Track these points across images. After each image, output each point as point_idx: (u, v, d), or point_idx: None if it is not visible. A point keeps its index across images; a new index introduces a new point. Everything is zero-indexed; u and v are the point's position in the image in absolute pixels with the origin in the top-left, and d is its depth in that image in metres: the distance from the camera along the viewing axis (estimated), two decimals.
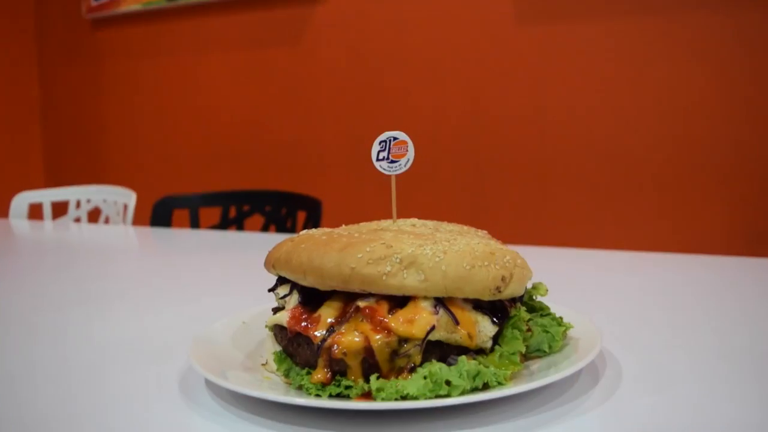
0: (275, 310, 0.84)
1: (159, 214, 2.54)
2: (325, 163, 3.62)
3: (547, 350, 0.80)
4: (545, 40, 3.06)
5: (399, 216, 0.90)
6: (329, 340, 0.71)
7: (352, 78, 3.54)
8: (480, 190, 3.25)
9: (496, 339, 0.76)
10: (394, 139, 0.86)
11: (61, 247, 2.14)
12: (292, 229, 2.54)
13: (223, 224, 2.55)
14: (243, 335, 0.91)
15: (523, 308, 0.80)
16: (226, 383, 0.72)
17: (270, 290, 0.85)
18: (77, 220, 2.87)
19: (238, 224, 2.58)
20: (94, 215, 2.93)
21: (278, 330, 0.79)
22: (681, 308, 1.12)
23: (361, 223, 0.90)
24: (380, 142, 0.87)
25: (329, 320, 0.73)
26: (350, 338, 0.70)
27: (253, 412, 0.72)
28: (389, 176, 0.88)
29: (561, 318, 0.84)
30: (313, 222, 2.47)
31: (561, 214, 3.09)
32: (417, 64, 3.36)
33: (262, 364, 0.83)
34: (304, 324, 0.74)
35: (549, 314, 0.85)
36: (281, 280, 0.83)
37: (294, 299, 0.78)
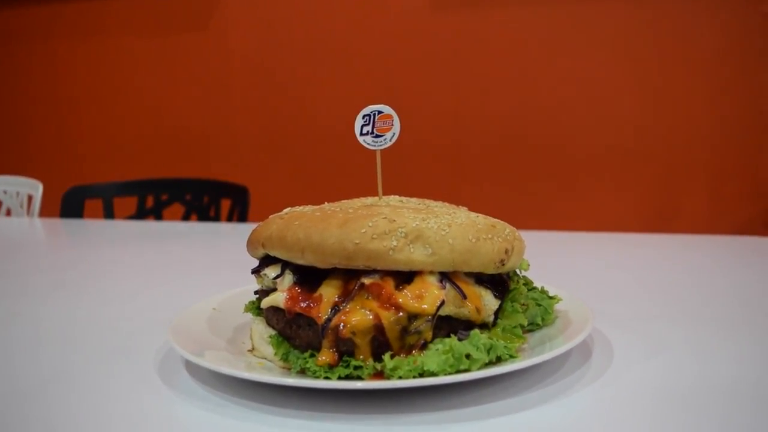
0: (261, 293, 0.79)
1: (69, 204, 2.39)
2: (241, 150, 3.52)
3: (540, 323, 0.80)
4: (459, 27, 3.10)
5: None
6: (335, 320, 0.68)
7: (264, 63, 3.45)
8: (394, 175, 3.25)
9: (497, 313, 0.75)
10: (379, 112, 0.84)
11: None
12: (216, 218, 2.45)
13: (140, 214, 2.43)
14: (218, 322, 0.86)
15: (522, 281, 0.79)
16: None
17: (254, 272, 0.80)
18: None
19: (156, 214, 2.46)
20: None
21: (272, 312, 0.74)
22: (637, 282, 1.16)
23: (343, 201, 0.86)
24: (364, 116, 0.83)
25: (334, 299, 0.70)
26: (359, 316, 0.67)
27: (249, 398, 0.67)
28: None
29: (548, 291, 0.84)
30: (240, 210, 2.39)
31: (473, 197, 3.14)
32: (331, 49, 3.31)
33: (249, 350, 0.78)
34: (304, 304, 0.70)
35: (535, 288, 0.85)
36: (267, 261, 0.79)
37: (288, 279, 0.74)
